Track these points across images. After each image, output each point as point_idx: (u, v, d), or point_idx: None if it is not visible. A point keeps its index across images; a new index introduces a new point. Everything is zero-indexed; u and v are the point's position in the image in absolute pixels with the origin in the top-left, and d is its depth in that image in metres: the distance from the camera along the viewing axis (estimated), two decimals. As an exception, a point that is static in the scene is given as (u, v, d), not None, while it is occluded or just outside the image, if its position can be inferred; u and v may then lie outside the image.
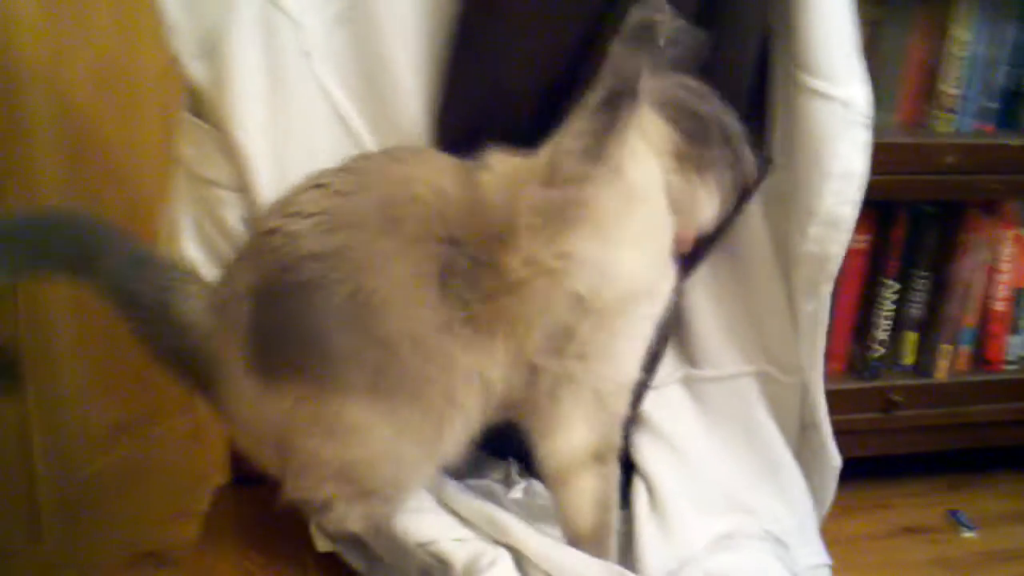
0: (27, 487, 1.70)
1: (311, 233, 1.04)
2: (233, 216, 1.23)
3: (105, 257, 1.11)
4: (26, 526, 1.73)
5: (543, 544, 1.17)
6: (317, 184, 1.10)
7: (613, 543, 1.19)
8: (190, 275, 1.17)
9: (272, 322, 1.03)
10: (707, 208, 1.14)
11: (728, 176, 1.15)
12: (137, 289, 1.11)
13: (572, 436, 1.14)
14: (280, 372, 1.03)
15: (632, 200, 1.07)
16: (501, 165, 1.10)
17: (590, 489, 1.16)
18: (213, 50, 1.17)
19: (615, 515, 1.20)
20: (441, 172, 1.10)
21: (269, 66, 1.19)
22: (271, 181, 1.20)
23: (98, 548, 1.84)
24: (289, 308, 1.02)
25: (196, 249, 1.25)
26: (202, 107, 1.22)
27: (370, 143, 1.26)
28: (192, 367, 1.11)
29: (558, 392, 1.11)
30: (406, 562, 1.13)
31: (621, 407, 1.17)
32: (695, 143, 1.11)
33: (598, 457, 1.16)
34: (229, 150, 1.20)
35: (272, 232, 1.07)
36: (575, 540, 1.17)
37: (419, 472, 1.11)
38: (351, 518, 1.09)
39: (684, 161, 1.11)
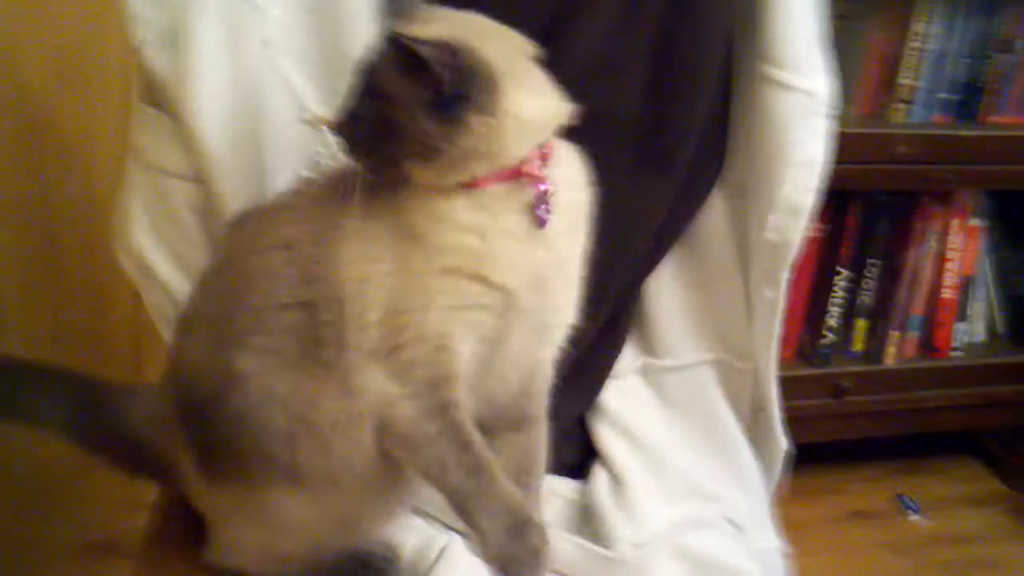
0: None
1: (199, 348, 1.06)
2: (185, 205, 1.22)
3: (47, 405, 1.18)
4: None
5: None
6: (201, 282, 1.13)
7: (535, 503, 1.19)
8: (124, 390, 1.21)
9: (200, 434, 1.06)
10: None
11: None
12: (90, 431, 1.18)
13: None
14: (218, 476, 1.07)
15: None
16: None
17: (508, 454, 1.16)
18: (174, 38, 1.15)
19: (536, 480, 1.20)
20: (299, 223, 1.07)
21: (229, 55, 1.17)
22: (230, 172, 1.19)
23: (48, 539, 1.82)
24: (206, 421, 1.04)
25: (147, 237, 1.24)
26: (159, 96, 1.19)
27: (330, 133, 1.25)
28: (150, 466, 1.18)
29: None
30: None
31: (541, 386, 1.17)
32: None
33: (515, 428, 1.17)
34: (183, 139, 1.18)
35: (175, 353, 1.11)
36: None
37: (340, 543, 1.12)
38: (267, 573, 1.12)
39: None
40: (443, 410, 1.01)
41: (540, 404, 1.18)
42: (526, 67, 1.03)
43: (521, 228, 1.02)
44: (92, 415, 1.18)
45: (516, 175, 1.02)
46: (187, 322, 1.10)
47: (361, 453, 1.04)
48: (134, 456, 1.18)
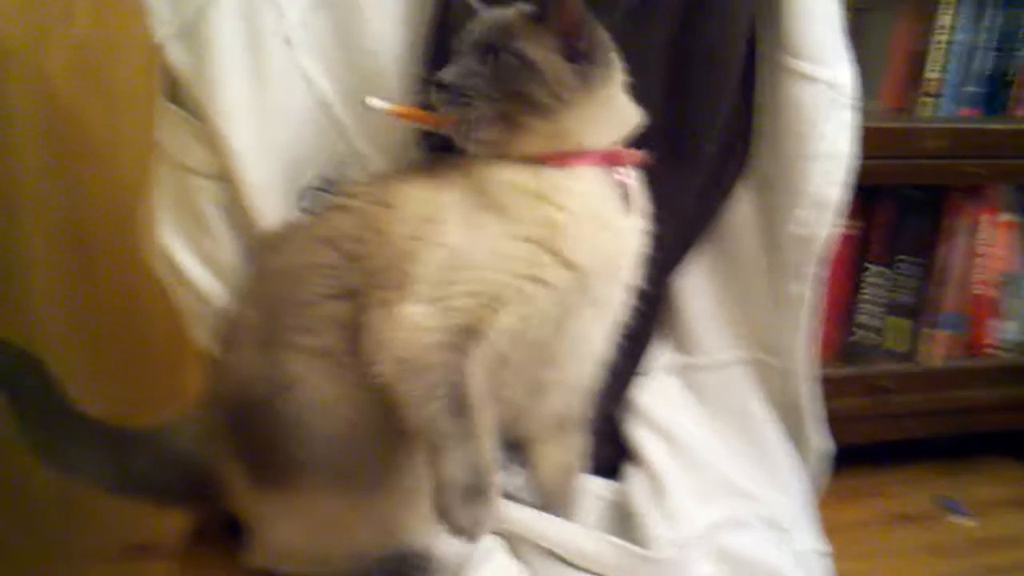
0: (20, 480, 1.69)
1: (247, 354, 1.08)
2: (209, 203, 1.23)
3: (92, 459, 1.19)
4: (19, 519, 1.73)
5: (536, 520, 1.20)
6: (241, 294, 1.16)
7: (574, 504, 1.26)
8: (162, 427, 1.23)
9: (250, 441, 1.08)
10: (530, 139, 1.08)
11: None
12: (134, 472, 1.19)
13: (539, 414, 1.18)
14: (267, 481, 1.09)
15: None
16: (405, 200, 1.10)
17: (551, 457, 1.22)
18: (194, 35, 1.16)
19: (576, 480, 1.27)
20: (342, 217, 1.12)
21: (251, 52, 1.18)
22: (254, 169, 1.19)
23: (90, 541, 1.84)
24: (257, 428, 1.06)
25: (172, 235, 1.24)
26: (180, 93, 1.20)
27: (353, 131, 1.26)
28: (195, 489, 1.19)
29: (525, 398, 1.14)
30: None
31: (588, 385, 1.20)
32: None
33: (562, 428, 1.21)
34: (206, 137, 1.19)
35: (221, 365, 1.13)
36: (540, 497, 1.24)
37: (383, 545, 1.13)
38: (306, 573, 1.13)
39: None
40: (457, 352, 1.02)
41: (587, 402, 1.21)
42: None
43: (607, 210, 1.09)
44: (129, 457, 1.20)
45: (607, 160, 1.10)
46: (231, 335, 1.13)
47: (410, 458, 1.06)
48: (176, 483, 1.20)
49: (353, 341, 1.03)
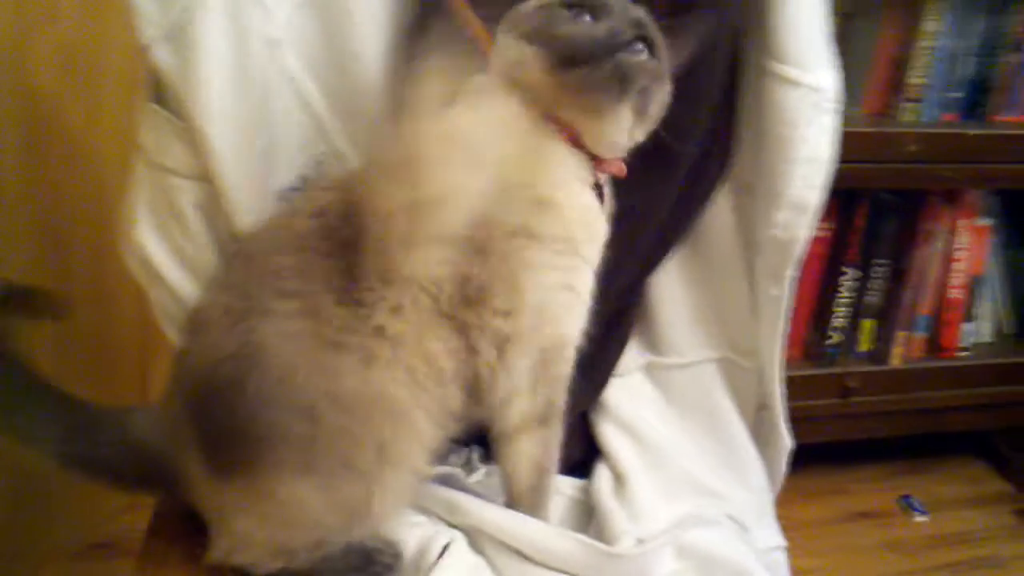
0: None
1: (217, 334, 1.04)
2: (190, 204, 1.22)
3: (43, 425, 1.14)
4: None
5: (503, 518, 1.18)
6: (213, 283, 1.13)
7: (547, 504, 1.22)
8: (123, 410, 1.19)
9: (213, 426, 1.04)
10: (615, 130, 1.08)
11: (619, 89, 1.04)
12: (87, 450, 1.15)
13: (514, 400, 1.14)
14: (228, 470, 1.05)
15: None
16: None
17: (527, 452, 1.18)
18: (180, 36, 1.14)
19: (552, 479, 1.22)
20: (329, 192, 1.11)
21: (236, 52, 1.16)
22: (236, 171, 1.18)
23: (49, 540, 1.82)
24: (222, 410, 1.02)
25: (151, 236, 1.23)
26: (164, 94, 1.19)
27: (337, 133, 1.25)
28: (150, 477, 1.15)
29: (495, 358, 1.10)
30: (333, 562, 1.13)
31: (563, 368, 1.16)
32: (566, 68, 1.02)
33: (540, 421, 1.17)
34: (188, 138, 1.18)
35: (186, 351, 1.09)
36: (512, 497, 1.20)
37: (349, 533, 1.11)
38: (271, 569, 1.10)
39: (562, 89, 1.04)
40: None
41: (563, 395, 1.18)
42: None
43: (593, 201, 1.10)
44: (89, 435, 1.16)
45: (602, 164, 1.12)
46: (198, 320, 1.09)
47: (377, 433, 1.04)
48: (134, 470, 1.16)
49: (338, 289, 1.02)
